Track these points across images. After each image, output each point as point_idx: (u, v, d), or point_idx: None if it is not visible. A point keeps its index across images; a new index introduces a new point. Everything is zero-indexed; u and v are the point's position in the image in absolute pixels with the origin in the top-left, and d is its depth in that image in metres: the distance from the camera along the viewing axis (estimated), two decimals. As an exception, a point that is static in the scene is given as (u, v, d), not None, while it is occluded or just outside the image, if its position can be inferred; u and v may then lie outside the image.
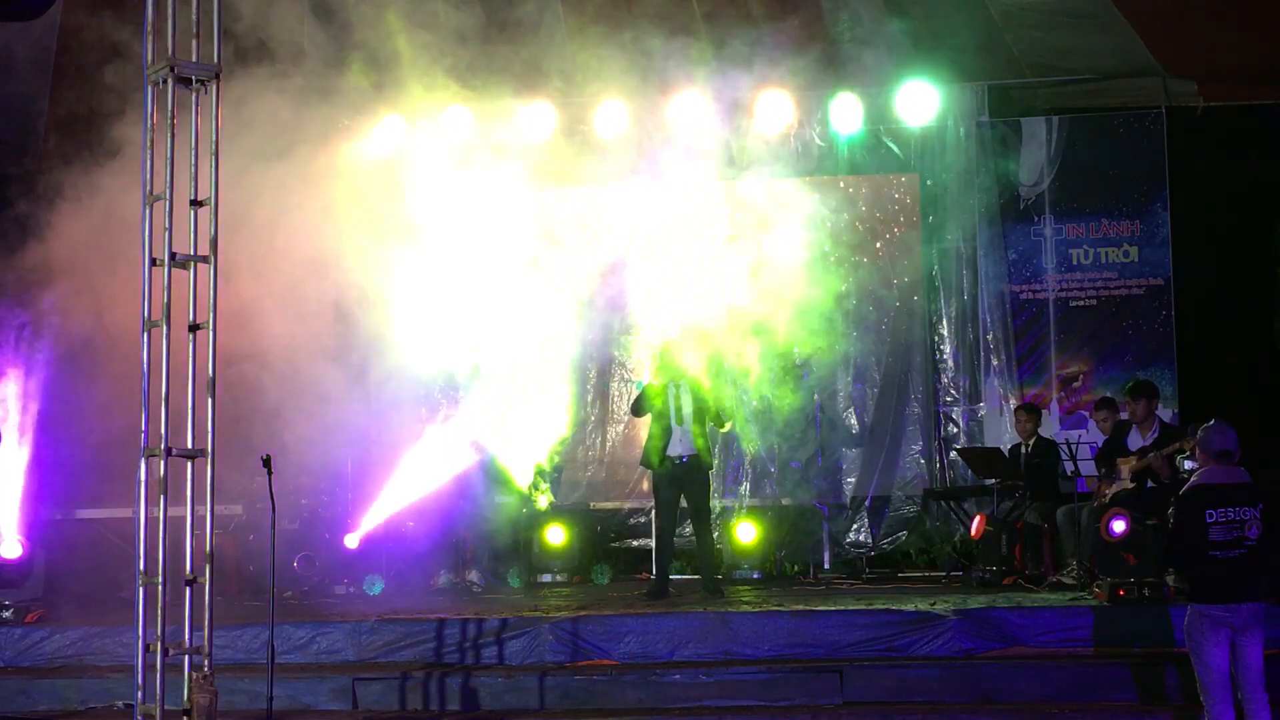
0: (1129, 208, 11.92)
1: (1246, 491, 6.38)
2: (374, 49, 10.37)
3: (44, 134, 11.23)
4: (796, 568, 12.04)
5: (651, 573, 12.07)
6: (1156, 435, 9.45)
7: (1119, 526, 8.57)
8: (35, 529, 9.83)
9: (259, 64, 9.33)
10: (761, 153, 12.15)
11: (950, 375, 12.10)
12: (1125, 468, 9.47)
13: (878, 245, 12.26)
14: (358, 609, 9.58)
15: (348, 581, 10.91)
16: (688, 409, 9.97)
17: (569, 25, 11.30)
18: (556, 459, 12.17)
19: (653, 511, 12.11)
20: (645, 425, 12.26)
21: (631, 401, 10.54)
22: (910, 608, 8.55)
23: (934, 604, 8.74)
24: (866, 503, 12.02)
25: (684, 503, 10.26)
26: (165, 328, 5.98)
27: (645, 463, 10.34)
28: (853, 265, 12.21)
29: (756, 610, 8.83)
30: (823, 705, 7.74)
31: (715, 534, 11.10)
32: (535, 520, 11.65)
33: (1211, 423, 6.54)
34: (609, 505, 12.34)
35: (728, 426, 10.54)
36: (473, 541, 11.45)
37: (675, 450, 9.97)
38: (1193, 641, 6.42)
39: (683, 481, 10.05)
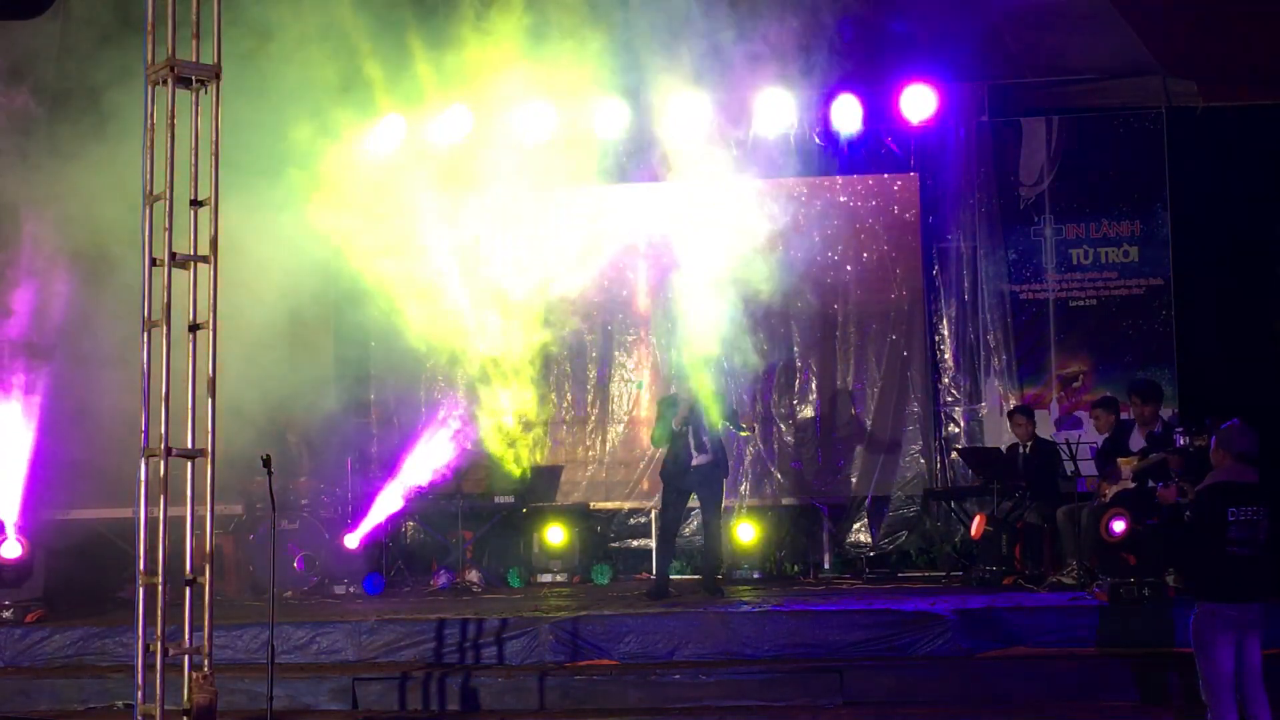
0: (1129, 208, 11.92)
1: (1257, 492, 6.40)
2: (374, 48, 10.36)
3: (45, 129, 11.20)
4: (796, 568, 12.04)
5: (651, 572, 12.10)
6: (1151, 434, 9.45)
7: (1119, 526, 8.57)
8: (35, 529, 9.82)
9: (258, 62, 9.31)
10: (761, 153, 12.16)
11: (950, 375, 12.10)
12: (1126, 468, 9.47)
13: (878, 245, 12.26)
14: (358, 609, 9.58)
15: (348, 581, 10.91)
16: (706, 434, 10.11)
17: (567, 24, 11.28)
18: (544, 444, 12.24)
19: (652, 511, 12.18)
20: (646, 425, 12.34)
21: (654, 432, 10.55)
22: (910, 608, 8.54)
23: (934, 604, 8.74)
24: (866, 503, 12.02)
25: (691, 501, 10.32)
26: (165, 328, 5.98)
27: (664, 474, 10.35)
28: (853, 265, 12.22)
29: (756, 610, 8.83)
30: (823, 705, 7.75)
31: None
32: (535, 520, 11.64)
33: (1235, 423, 6.55)
34: (609, 505, 12.36)
35: (746, 434, 10.85)
36: (473, 541, 11.46)
37: (696, 463, 10.11)
38: (1202, 641, 6.39)
39: (697, 483, 10.14)
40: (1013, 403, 11.63)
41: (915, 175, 12.27)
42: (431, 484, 11.33)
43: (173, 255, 6.02)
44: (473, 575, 11.15)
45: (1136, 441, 9.58)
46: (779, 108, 11.87)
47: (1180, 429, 7.71)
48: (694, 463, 10.10)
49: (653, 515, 12.24)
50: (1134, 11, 10.89)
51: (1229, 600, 6.34)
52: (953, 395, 12.11)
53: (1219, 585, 6.37)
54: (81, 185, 9.38)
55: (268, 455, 7.20)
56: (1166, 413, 11.12)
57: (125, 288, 7.95)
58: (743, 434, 10.73)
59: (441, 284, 11.37)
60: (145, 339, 6.06)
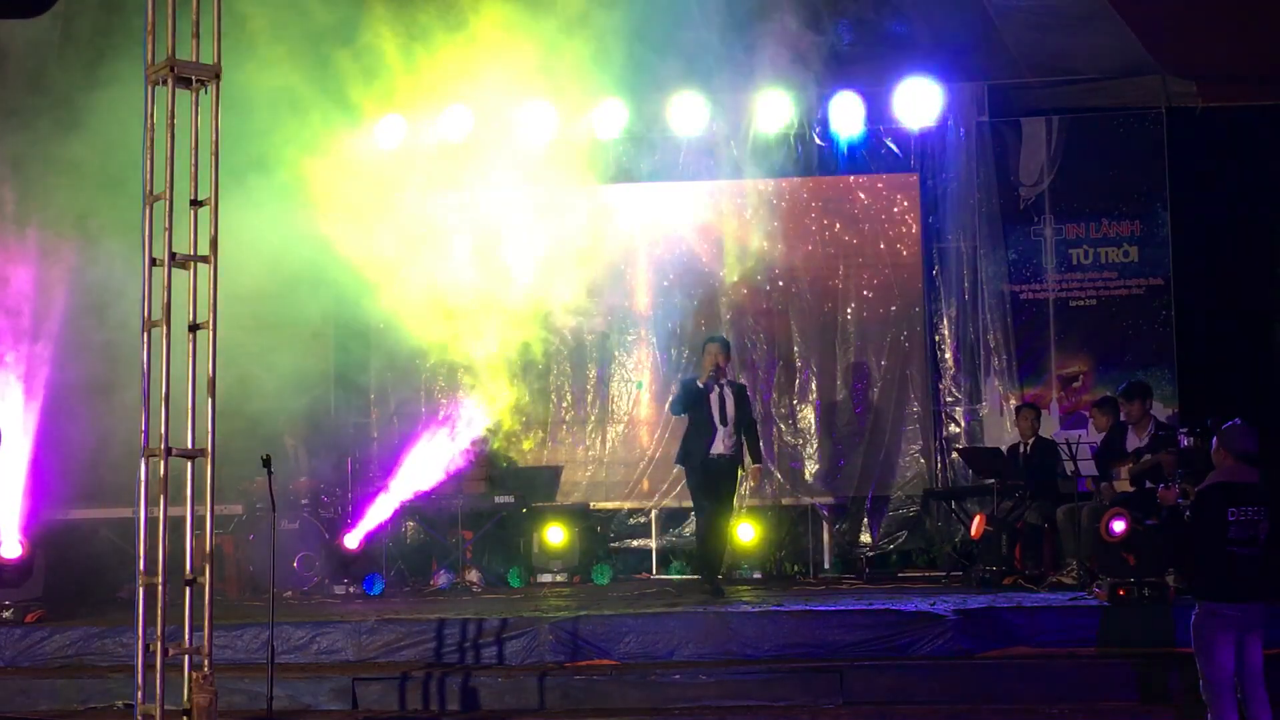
0: (1129, 208, 11.93)
1: (1257, 491, 6.40)
2: (375, 47, 10.36)
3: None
4: (796, 568, 12.05)
5: (651, 572, 12.11)
6: (1153, 434, 9.47)
7: (1119, 526, 8.57)
8: (35, 529, 9.82)
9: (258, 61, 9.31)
10: (761, 153, 12.17)
11: (951, 375, 12.10)
12: (1124, 469, 9.47)
13: (878, 245, 12.27)
14: (358, 609, 9.58)
15: (348, 581, 10.91)
16: (731, 410, 9.75)
17: (567, 24, 11.30)
18: (544, 444, 12.26)
19: (652, 512, 12.18)
20: (646, 425, 12.33)
21: (672, 399, 10.29)
22: (910, 608, 8.55)
23: (934, 604, 8.75)
24: (866, 503, 12.02)
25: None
26: (165, 328, 5.98)
27: (684, 461, 10.01)
28: (853, 265, 12.23)
29: (756, 610, 8.83)
30: (823, 705, 7.74)
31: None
32: (535, 520, 11.65)
33: (1236, 422, 6.54)
34: (609, 505, 12.35)
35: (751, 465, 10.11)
36: (473, 541, 11.46)
37: (719, 451, 9.74)
38: (1202, 641, 6.40)
39: (717, 480, 9.80)
40: (1013, 403, 11.63)
41: (915, 175, 12.27)
42: (431, 484, 11.33)
43: (173, 255, 6.02)
44: (473, 575, 11.15)
45: (1132, 442, 9.60)
46: (779, 108, 11.90)
47: (1184, 429, 7.70)
48: (714, 448, 9.67)
49: (653, 515, 12.26)
50: (1134, 11, 10.88)
51: (1229, 600, 6.34)
52: (953, 395, 12.11)
53: (1219, 585, 6.37)
54: (77, 185, 9.40)
55: (268, 455, 7.20)
56: (1167, 412, 11.16)
57: (122, 287, 7.97)
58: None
59: (441, 284, 11.36)
60: (145, 339, 6.06)
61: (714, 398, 9.75)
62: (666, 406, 10.76)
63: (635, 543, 12.41)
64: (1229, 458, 6.47)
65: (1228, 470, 6.46)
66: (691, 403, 9.84)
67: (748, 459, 10.01)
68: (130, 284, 6.42)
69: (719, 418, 9.74)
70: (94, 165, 8.93)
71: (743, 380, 11.05)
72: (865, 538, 12.06)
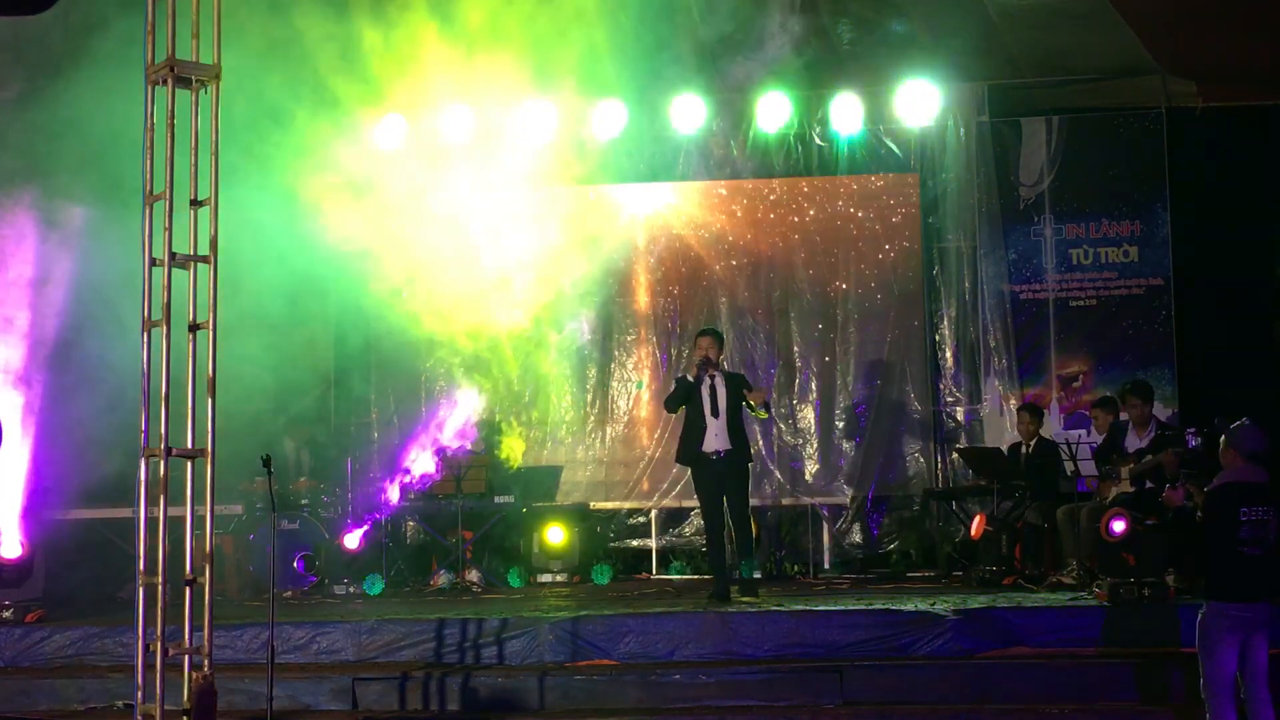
0: (1129, 208, 11.94)
1: (1266, 491, 6.40)
2: (375, 47, 10.36)
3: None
4: (796, 568, 12.05)
5: (651, 573, 12.11)
6: (1154, 435, 9.46)
7: (1119, 526, 8.57)
8: (35, 529, 9.82)
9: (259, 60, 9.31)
10: (761, 153, 12.18)
11: (950, 375, 12.10)
12: (1125, 469, 9.47)
13: (878, 245, 12.26)
14: (358, 609, 9.58)
15: (348, 581, 10.91)
16: (724, 401, 9.41)
17: (568, 24, 11.30)
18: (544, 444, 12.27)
19: (652, 512, 12.19)
20: (646, 425, 12.33)
21: (666, 400, 10.05)
22: (910, 608, 8.55)
23: (934, 604, 8.74)
24: (866, 503, 12.02)
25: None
26: (165, 328, 5.98)
27: (680, 459, 9.85)
28: (853, 265, 12.23)
29: (756, 610, 8.83)
30: (823, 705, 7.74)
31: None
32: (535, 520, 11.65)
33: (1244, 422, 6.53)
34: (609, 505, 12.35)
35: (763, 415, 10.02)
36: (473, 541, 11.46)
37: (711, 445, 9.44)
38: (1207, 640, 6.38)
39: (723, 478, 9.52)
40: (1013, 403, 11.63)
41: (915, 175, 12.28)
42: (431, 484, 11.33)
43: (173, 255, 6.02)
44: (473, 575, 11.14)
45: (1133, 442, 9.59)
46: (779, 108, 11.89)
47: (1192, 429, 7.68)
48: (706, 444, 9.38)
49: (653, 515, 12.26)
50: (1134, 11, 10.89)
51: (1237, 600, 6.33)
52: (953, 395, 12.11)
53: (1229, 585, 6.36)
54: (76, 182, 9.39)
55: (268, 455, 7.20)
56: (1167, 412, 11.16)
57: (123, 286, 7.96)
58: (757, 415, 9.84)
59: (441, 284, 11.36)
60: (145, 339, 6.07)
61: (704, 390, 9.46)
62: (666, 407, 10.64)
63: (635, 543, 12.42)
64: (1238, 458, 6.46)
65: (1237, 470, 6.45)
66: (684, 398, 9.59)
67: (752, 402, 9.57)
68: (131, 283, 6.41)
69: (710, 409, 9.43)
70: (96, 162, 8.93)
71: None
72: (865, 538, 12.06)
